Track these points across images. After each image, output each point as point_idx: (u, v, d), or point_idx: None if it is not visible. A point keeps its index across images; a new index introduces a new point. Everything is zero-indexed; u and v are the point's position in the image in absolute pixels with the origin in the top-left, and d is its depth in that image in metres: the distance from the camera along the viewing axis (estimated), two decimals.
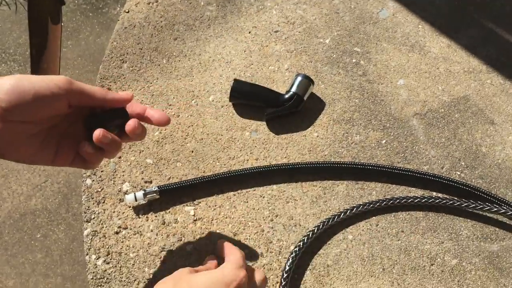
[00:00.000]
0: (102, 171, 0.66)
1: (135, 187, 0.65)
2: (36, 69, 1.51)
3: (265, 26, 0.78)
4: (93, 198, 0.64)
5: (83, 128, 0.49)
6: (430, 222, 0.64)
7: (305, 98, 0.69)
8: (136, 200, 0.62)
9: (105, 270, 0.60)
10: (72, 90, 0.45)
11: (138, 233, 0.62)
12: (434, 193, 0.66)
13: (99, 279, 0.59)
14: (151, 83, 0.72)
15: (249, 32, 0.77)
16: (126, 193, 0.64)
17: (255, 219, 0.63)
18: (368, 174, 0.66)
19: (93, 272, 0.60)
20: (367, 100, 0.72)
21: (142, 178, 0.65)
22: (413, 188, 0.66)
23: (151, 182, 0.65)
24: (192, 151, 0.67)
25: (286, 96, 0.68)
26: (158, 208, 0.63)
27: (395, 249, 0.62)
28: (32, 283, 1.35)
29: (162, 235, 0.62)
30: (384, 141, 0.69)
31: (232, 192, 0.65)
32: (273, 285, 0.60)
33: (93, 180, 0.65)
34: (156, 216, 0.63)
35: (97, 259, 0.60)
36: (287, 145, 0.68)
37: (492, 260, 0.62)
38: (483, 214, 0.65)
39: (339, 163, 0.66)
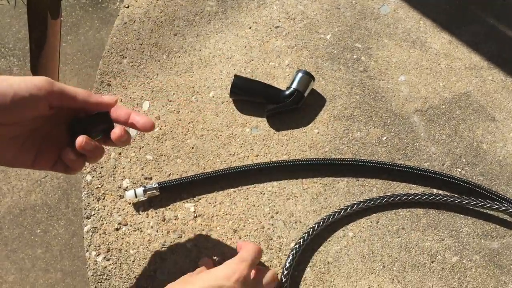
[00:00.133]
0: (102, 167, 0.65)
1: (135, 184, 0.64)
2: (36, 64, 1.51)
3: (266, 21, 0.77)
4: (93, 195, 0.64)
5: (66, 133, 0.49)
6: (431, 219, 0.64)
7: (305, 94, 0.68)
8: (136, 197, 0.61)
9: (105, 267, 0.60)
10: (52, 91, 0.44)
11: (138, 229, 0.62)
12: (435, 190, 0.66)
13: (99, 275, 0.59)
14: (151, 79, 0.72)
15: (250, 28, 0.77)
16: (126, 189, 0.64)
17: (256, 215, 0.63)
18: (369, 171, 0.66)
19: (93, 269, 0.60)
20: (368, 97, 0.72)
21: (142, 175, 0.65)
22: (413, 185, 0.66)
23: (151, 178, 0.65)
24: (193, 148, 0.67)
25: (287, 92, 0.68)
26: (158, 205, 0.63)
27: (396, 246, 0.62)
28: (32, 278, 1.36)
29: (162, 231, 0.62)
30: (384, 138, 0.69)
31: (232, 189, 0.65)
32: None
33: (93, 176, 0.65)
34: (156, 213, 0.63)
35: (97, 255, 0.60)
36: (287, 142, 0.68)
37: (492, 257, 0.62)
38: (484, 212, 0.65)
39: (340, 159, 0.66)
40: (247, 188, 0.65)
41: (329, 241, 0.62)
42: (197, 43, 0.75)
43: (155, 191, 0.62)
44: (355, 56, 0.75)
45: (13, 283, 1.35)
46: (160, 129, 0.68)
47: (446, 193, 0.65)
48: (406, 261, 0.62)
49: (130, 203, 0.63)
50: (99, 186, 0.64)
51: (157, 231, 0.62)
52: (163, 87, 0.71)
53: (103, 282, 0.59)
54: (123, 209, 0.63)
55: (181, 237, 0.62)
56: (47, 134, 0.48)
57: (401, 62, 0.75)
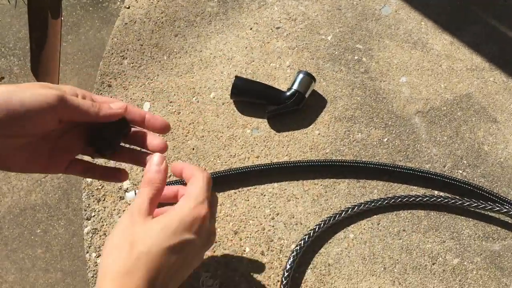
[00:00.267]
0: None
1: (135, 185, 0.64)
2: (36, 63, 1.51)
3: (267, 22, 0.77)
4: (93, 196, 0.63)
5: (78, 138, 0.48)
6: (432, 221, 0.64)
7: (306, 95, 0.68)
8: None
9: None
10: (64, 109, 0.43)
11: None
12: (436, 192, 0.65)
13: None
14: (151, 80, 0.72)
15: (251, 29, 0.76)
16: (126, 190, 0.64)
17: (256, 217, 0.63)
18: (370, 173, 0.66)
19: (94, 270, 0.60)
20: (369, 98, 0.72)
21: (143, 176, 0.65)
22: (414, 187, 0.66)
23: None
24: (193, 149, 0.67)
25: (288, 93, 0.68)
26: (159, 206, 0.63)
27: (397, 248, 0.62)
28: (32, 278, 1.35)
29: None
30: (386, 139, 0.69)
31: (233, 190, 0.65)
32: (274, 283, 0.60)
33: None
34: None
35: (98, 257, 0.60)
36: (288, 143, 0.68)
37: (493, 259, 0.62)
38: (485, 213, 0.64)
39: (341, 161, 0.66)
40: (247, 190, 0.65)
41: (330, 242, 0.62)
42: (198, 44, 0.75)
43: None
44: (356, 57, 0.75)
45: (13, 283, 1.35)
46: None
47: (447, 195, 0.65)
48: (407, 263, 0.61)
49: (130, 205, 0.63)
50: (100, 187, 0.64)
51: None
52: (163, 88, 0.71)
53: None
54: (124, 210, 0.63)
55: None
56: (57, 140, 0.47)
57: (402, 63, 0.75)
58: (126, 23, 0.76)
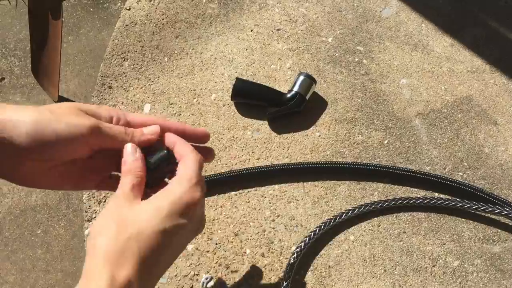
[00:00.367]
0: None
1: None
2: (37, 64, 1.51)
3: (267, 24, 0.77)
4: (94, 197, 0.64)
5: (117, 167, 0.47)
6: (432, 223, 0.64)
7: (307, 97, 0.68)
8: None
9: None
10: (97, 139, 0.43)
11: None
12: (436, 194, 0.65)
13: None
14: (152, 81, 0.72)
15: (251, 30, 0.77)
16: None
17: (257, 219, 0.63)
18: (370, 175, 0.66)
19: None
20: (370, 100, 0.72)
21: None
22: (415, 189, 0.66)
23: None
24: None
25: (288, 95, 0.68)
26: None
27: (397, 250, 0.62)
28: (33, 279, 1.35)
29: None
30: (386, 141, 0.69)
31: (233, 192, 0.65)
32: (274, 285, 0.60)
33: None
34: None
35: None
36: (289, 145, 0.68)
37: (494, 261, 0.62)
38: (485, 216, 0.64)
39: (341, 163, 0.66)
40: (248, 192, 0.65)
41: (330, 244, 0.62)
42: (198, 46, 0.75)
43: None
44: (356, 59, 0.75)
45: (13, 283, 1.35)
46: None
47: (448, 197, 0.65)
48: (407, 265, 0.61)
49: None
50: None
51: None
52: (164, 90, 0.71)
53: None
54: None
55: None
56: (88, 161, 0.46)
57: (403, 65, 0.75)
58: (127, 25, 0.76)
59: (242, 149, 0.67)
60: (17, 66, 1.65)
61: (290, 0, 0.79)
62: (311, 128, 0.69)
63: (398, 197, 0.64)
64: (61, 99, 1.56)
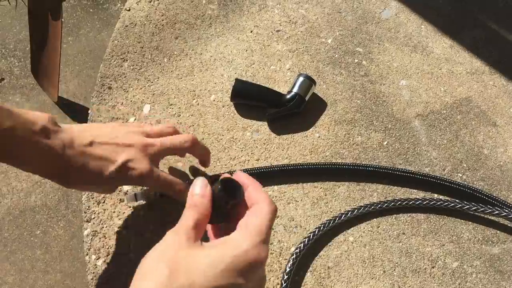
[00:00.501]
0: None
1: (135, 187, 0.64)
2: (36, 64, 1.51)
3: (267, 25, 0.77)
4: (93, 198, 0.64)
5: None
6: (431, 224, 0.64)
7: (306, 98, 0.68)
8: (136, 200, 0.61)
9: (105, 271, 0.60)
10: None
11: (138, 233, 0.62)
12: (436, 195, 0.66)
13: (99, 279, 0.59)
14: (152, 82, 0.72)
15: (251, 31, 0.77)
16: (126, 193, 0.64)
17: None
18: (370, 176, 0.66)
19: (93, 273, 0.60)
20: (369, 101, 0.72)
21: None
22: (414, 190, 0.66)
23: None
24: None
25: (288, 96, 0.68)
26: (159, 209, 0.63)
27: (396, 251, 0.62)
28: (32, 279, 1.35)
29: (163, 235, 0.62)
30: (385, 143, 0.69)
31: None
32: (273, 286, 0.60)
33: None
34: (156, 216, 0.63)
35: (97, 259, 0.60)
36: (288, 146, 0.68)
37: (493, 263, 0.62)
38: (485, 217, 0.64)
39: (341, 164, 0.66)
40: None
41: (330, 245, 0.62)
42: (198, 47, 0.75)
43: (155, 195, 0.62)
44: (356, 61, 0.75)
45: (12, 284, 1.35)
46: None
47: (447, 198, 0.65)
48: (406, 266, 0.61)
49: (130, 207, 0.63)
50: None
51: (158, 235, 0.62)
52: (164, 91, 0.71)
53: (103, 286, 0.59)
54: (123, 212, 0.63)
55: None
56: None
57: (402, 67, 0.75)
58: (126, 26, 0.76)
59: (242, 150, 0.67)
60: (17, 67, 1.65)
61: (290, 2, 0.79)
62: (311, 129, 0.69)
63: (397, 198, 0.64)
64: (60, 99, 1.56)
